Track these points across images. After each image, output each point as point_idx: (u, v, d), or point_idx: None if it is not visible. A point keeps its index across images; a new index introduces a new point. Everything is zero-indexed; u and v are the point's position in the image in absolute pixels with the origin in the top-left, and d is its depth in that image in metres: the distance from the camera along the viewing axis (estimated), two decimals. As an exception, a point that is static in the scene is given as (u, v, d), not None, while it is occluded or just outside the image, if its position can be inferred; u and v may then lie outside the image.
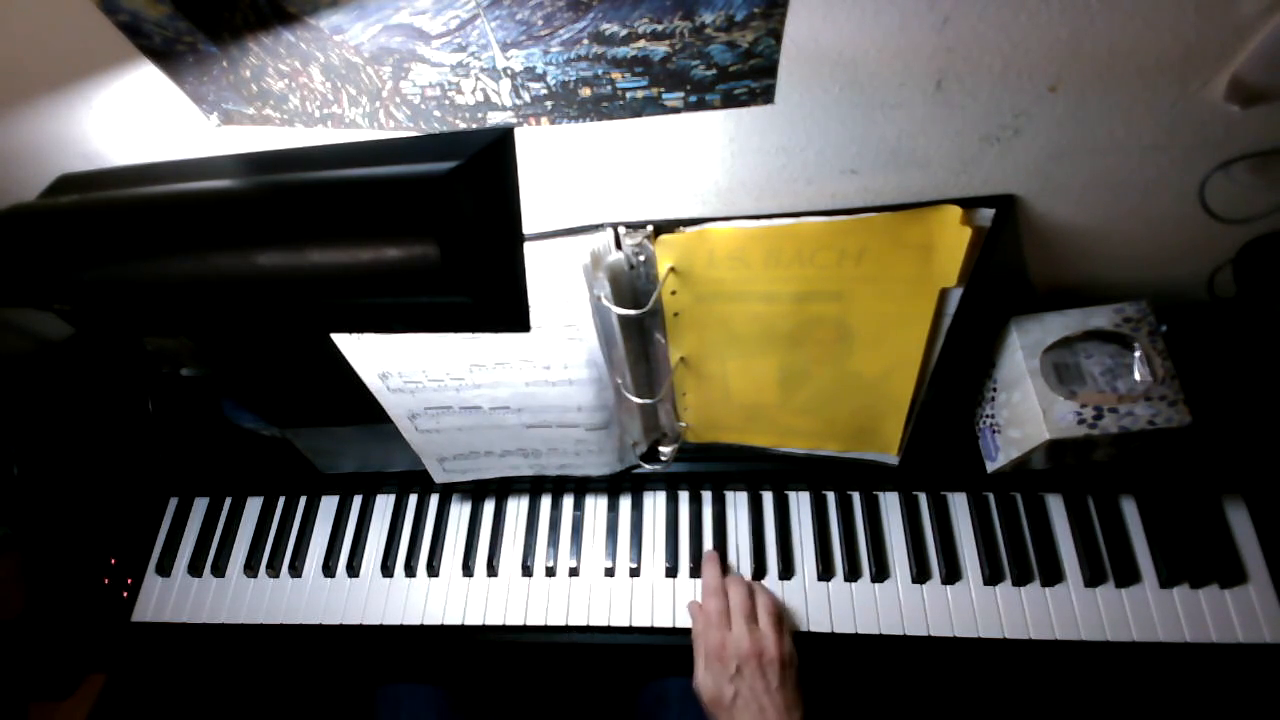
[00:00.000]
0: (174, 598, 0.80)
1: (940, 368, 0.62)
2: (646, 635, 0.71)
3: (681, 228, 0.57)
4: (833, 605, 0.70)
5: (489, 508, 0.80)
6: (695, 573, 0.73)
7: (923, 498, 0.74)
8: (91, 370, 0.87)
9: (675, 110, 0.51)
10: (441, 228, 0.31)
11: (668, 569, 0.74)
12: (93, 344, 0.87)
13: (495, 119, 0.53)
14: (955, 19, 0.43)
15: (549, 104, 0.51)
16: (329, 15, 0.45)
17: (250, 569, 0.80)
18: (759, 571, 0.72)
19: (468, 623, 0.73)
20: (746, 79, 0.48)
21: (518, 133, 0.39)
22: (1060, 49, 0.44)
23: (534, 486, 0.80)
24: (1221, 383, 0.65)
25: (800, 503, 0.76)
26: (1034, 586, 0.68)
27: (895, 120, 0.51)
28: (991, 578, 0.69)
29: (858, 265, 0.56)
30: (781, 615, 0.66)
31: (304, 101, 0.52)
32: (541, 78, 0.49)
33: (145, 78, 0.51)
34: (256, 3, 0.45)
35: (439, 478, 0.76)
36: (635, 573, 0.74)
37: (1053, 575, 0.68)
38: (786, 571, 0.72)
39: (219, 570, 0.81)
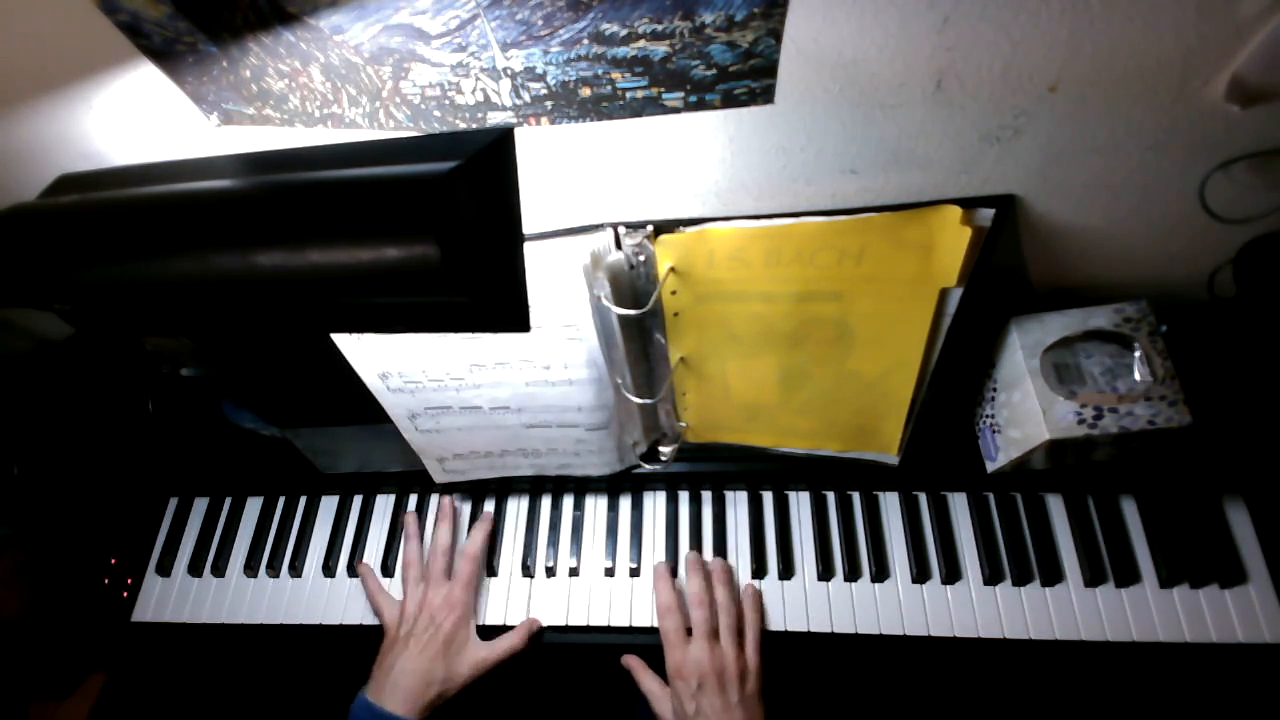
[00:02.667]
0: (174, 598, 0.80)
1: (940, 368, 0.61)
2: (647, 635, 0.71)
3: (681, 228, 0.57)
4: (833, 605, 0.70)
5: (489, 508, 0.80)
6: (695, 573, 0.73)
7: (923, 498, 0.74)
8: (91, 370, 0.87)
9: (675, 110, 0.51)
10: (441, 228, 0.31)
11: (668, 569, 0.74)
12: (93, 344, 0.87)
13: (495, 119, 0.53)
14: (955, 19, 0.43)
15: (549, 104, 0.51)
16: (329, 15, 0.45)
17: (250, 569, 0.80)
18: (759, 571, 0.72)
19: (468, 623, 0.73)
20: (746, 79, 0.48)
21: (518, 133, 0.39)
22: (1060, 49, 0.44)
23: (534, 486, 0.80)
24: (1221, 383, 0.65)
25: (800, 503, 0.76)
26: (1034, 586, 0.68)
27: (895, 120, 0.51)
28: (991, 578, 0.69)
29: (858, 265, 0.56)
30: (743, 628, 0.66)
31: (304, 101, 0.52)
32: (541, 78, 0.49)
33: (145, 78, 0.51)
34: (256, 3, 0.45)
35: (439, 478, 0.76)
36: (635, 573, 0.74)
37: (1053, 575, 0.68)
38: (786, 571, 0.72)
39: (219, 570, 0.81)
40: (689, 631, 0.66)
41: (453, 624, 0.68)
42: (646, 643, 0.71)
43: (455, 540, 0.76)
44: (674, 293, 0.61)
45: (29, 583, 0.81)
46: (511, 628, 0.71)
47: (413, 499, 0.82)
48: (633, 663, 0.69)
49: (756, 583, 0.72)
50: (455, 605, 0.69)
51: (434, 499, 0.82)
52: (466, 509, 0.81)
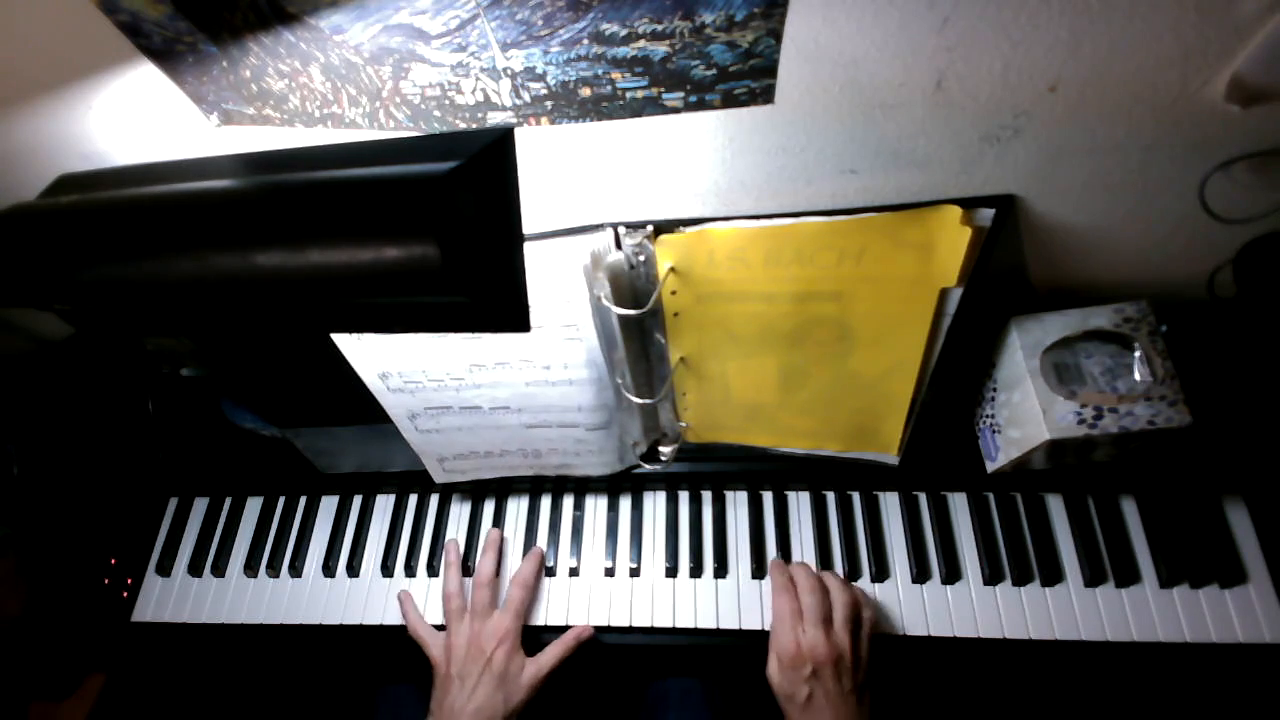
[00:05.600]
0: (174, 598, 0.80)
1: (940, 368, 0.62)
2: (646, 635, 0.71)
3: (681, 228, 0.57)
4: (833, 605, 0.70)
5: (489, 508, 0.80)
6: (695, 573, 0.73)
7: (923, 498, 0.74)
8: (91, 370, 0.87)
9: (675, 110, 0.51)
10: (441, 228, 0.31)
11: (668, 569, 0.74)
12: (93, 344, 0.87)
13: (495, 119, 0.53)
14: (955, 19, 0.43)
15: (549, 104, 0.51)
16: (329, 15, 0.45)
17: (250, 569, 0.80)
18: (759, 572, 0.72)
19: (468, 623, 0.73)
20: (746, 79, 0.48)
21: (518, 133, 0.39)
22: (1060, 49, 0.44)
23: (534, 486, 0.80)
24: (1221, 383, 0.65)
25: (800, 503, 0.76)
26: (1034, 586, 0.68)
27: (895, 120, 0.51)
28: (991, 578, 0.69)
29: (858, 265, 0.56)
30: (859, 618, 0.63)
31: (304, 101, 0.52)
32: (541, 78, 0.49)
33: (145, 78, 0.51)
34: (256, 3, 0.45)
35: (439, 478, 0.76)
36: (635, 573, 0.74)
37: (1053, 575, 0.68)
38: (786, 571, 0.72)
39: (219, 570, 0.81)
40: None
41: (504, 655, 0.66)
42: (647, 643, 0.71)
43: (500, 571, 0.74)
44: (674, 293, 0.61)
45: (29, 583, 0.81)
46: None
47: (413, 499, 0.82)
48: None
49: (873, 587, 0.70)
50: (505, 636, 0.67)
51: (434, 499, 0.82)
52: (467, 509, 0.81)
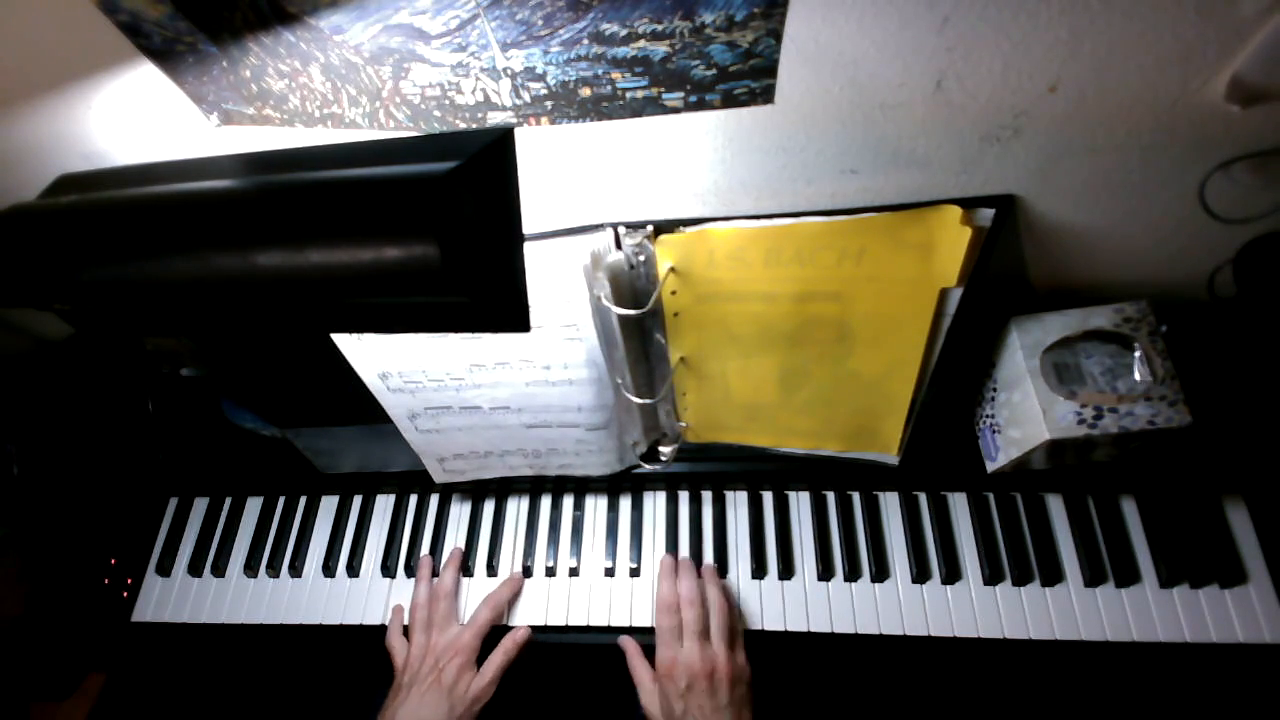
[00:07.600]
0: (174, 598, 0.80)
1: (940, 368, 0.61)
2: (647, 635, 0.71)
3: (681, 228, 0.57)
4: (833, 605, 0.70)
5: (489, 508, 0.80)
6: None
7: (923, 498, 0.74)
8: (91, 370, 0.87)
9: (675, 110, 0.51)
10: (441, 228, 0.31)
11: (668, 569, 0.74)
12: (93, 344, 0.87)
13: (495, 119, 0.53)
14: (955, 19, 0.43)
15: (549, 104, 0.51)
16: (329, 15, 0.45)
17: (250, 569, 0.80)
18: (759, 571, 0.72)
19: (468, 623, 0.73)
20: (746, 79, 0.48)
21: (518, 133, 0.39)
22: (1060, 49, 0.44)
23: (534, 486, 0.80)
24: (1221, 383, 0.65)
25: (800, 503, 0.76)
26: (1034, 586, 0.68)
27: (895, 120, 0.51)
28: (991, 578, 0.69)
29: (858, 265, 0.56)
30: (735, 629, 0.66)
31: (304, 101, 0.52)
32: (541, 78, 0.49)
33: (145, 78, 0.51)
34: (256, 3, 0.45)
35: (439, 478, 0.76)
36: (635, 573, 0.74)
37: (1053, 575, 0.68)
38: (786, 572, 0.72)
39: (219, 570, 0.81)
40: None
41: (456, 669, 0.66)
42: (648, 643, 0.71)
43: (458, 586, 0.75)
44: (674, 293, 0.61)
45: (29, 583, 0.81)
46: (510, 628, 0.72)
47: (413, 499, 0.82)
48: (628, 646, 0.69)
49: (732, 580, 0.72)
50: (461, 650, 0.67)
51: (434, 499, 0.82)
52: (467, 509, 0.81)
